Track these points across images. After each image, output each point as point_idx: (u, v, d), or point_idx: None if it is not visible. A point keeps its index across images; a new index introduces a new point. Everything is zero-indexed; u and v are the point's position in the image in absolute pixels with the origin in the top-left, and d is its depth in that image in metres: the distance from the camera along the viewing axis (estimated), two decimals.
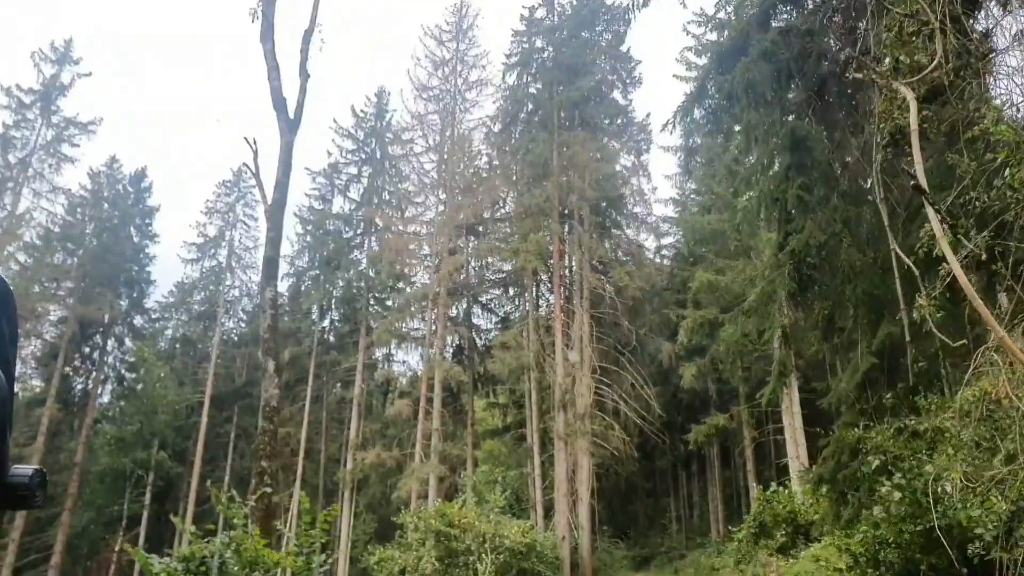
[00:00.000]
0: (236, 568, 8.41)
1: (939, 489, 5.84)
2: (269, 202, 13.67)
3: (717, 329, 28.30)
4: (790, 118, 9.13)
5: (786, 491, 16.08)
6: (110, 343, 39.66)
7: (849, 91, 9.20)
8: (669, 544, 36.45)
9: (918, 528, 6.06)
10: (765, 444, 33.58)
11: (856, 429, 7.30)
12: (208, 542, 8.56)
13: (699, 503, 40.57)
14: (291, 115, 14.07)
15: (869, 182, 8.39)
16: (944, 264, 4.64)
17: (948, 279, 4.64)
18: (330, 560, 9.02)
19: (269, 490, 10.05)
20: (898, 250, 6.06)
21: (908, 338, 7.44)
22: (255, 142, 13.22)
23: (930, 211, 4.78)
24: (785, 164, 8.96)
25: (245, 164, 13.30)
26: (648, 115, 36.02)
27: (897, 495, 5.95)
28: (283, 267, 41.91)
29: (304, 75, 15.07)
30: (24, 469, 1.11)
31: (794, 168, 8.77)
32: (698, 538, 35.71)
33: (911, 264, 5.28)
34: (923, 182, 4.93)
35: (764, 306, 10.10)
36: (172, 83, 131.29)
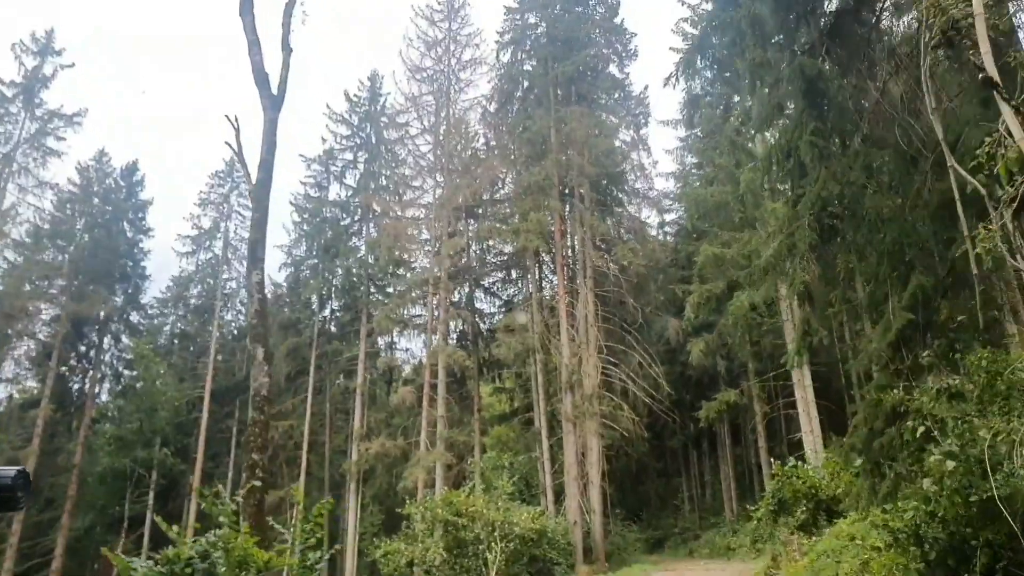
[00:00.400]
0: (224, 569, 7.79)
1: (999, 454, 5.16)
2: (253, 182, 12.98)
3: (724, 304, 27.66)
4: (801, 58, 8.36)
5: (806, 465, 15.43)
6: (106, 340, 39.08)
7: (864, 30, 8.43)
8: (682, 525, 36.08)
9: (972, 499, 5.40)
10: (776, 420, 33.02)
11: (893, 391, 6.61)
12: (195, 542, 7.96)
13: (711, 482, 40.17)
14: (274, 91, 13.33)
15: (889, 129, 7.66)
16: (1018, 181, 3.92)
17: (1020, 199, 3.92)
18: (326, 556, 8.37)
19: (258, 483, 9.43)
20: (957, 166, 5.30)
21: (947, 286, 6.74)
22: (236, 119, 12.52)
23: (1005, 109, 4.04)
24: (798, 109, 8.21)
25: (227, 143, 12.55)
26: (646, 88, 35.09)
27: (951, 464, 5.27)
28: (280, 257, 41.33)
29: (287, 49, 14.32)
30: (7, 471, 1.09)
31: (807, 112, 8.02)
32: (711, 517, 35.31)
33: (977, 185, 4.55)
34: (994, 73, 4.19)
35: (782, 262, 9.36)
36: (167, 87, 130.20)
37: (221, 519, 7.64)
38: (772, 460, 16.63)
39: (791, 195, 8.82)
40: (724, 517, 34.17)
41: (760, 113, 9.90)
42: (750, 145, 29.44)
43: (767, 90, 9.42)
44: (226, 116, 13.09)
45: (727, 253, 26.47)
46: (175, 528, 8.08)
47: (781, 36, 8.75)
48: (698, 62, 10.68)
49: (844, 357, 32.85)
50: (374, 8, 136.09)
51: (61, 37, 54.15)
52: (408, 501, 21.72)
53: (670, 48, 31.10)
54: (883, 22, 8.43)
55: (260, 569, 7.94)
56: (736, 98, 31.87)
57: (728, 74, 23.06)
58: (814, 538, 13.76)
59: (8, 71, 35.72)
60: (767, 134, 29.49)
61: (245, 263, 44.31)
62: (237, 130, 12.27)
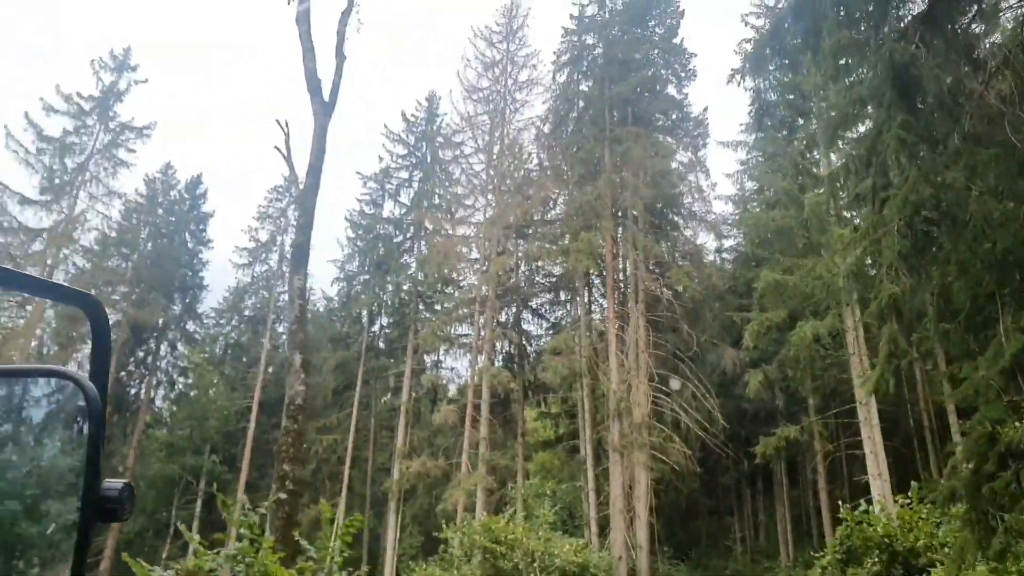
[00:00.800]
0: None
1: None
2: (301, 187, 12.74)
3: (785, 334, 26.33)
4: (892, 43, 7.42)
5: (880, 511, 14.11)
6: (163, 347, 39.99)
7: (965, 18, 7.53)
8: (734, 567, 34.26)
9: None
10: (837, 461, 31.15)
11: (1007, 428, 5.66)
12: (217, 553, 7.49)
13: (765, 523, 38.26)
14: (326, 98, 13.15)
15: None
16: None
17: None
18: None
19: (284, 496, 8.94)
20: None
21: None
22: (287, 124, 12.36)
23: None
24: (886, 102, 7.28)
25: (276, 147, 12.35)
26: (705, 109, 34.34)
27: None
28: (333, 271, 41.63)
29: (340, 56, 14.20)
30: (115, 483, 1.13)
31: (895, 105, 7.10)
32: (765, 561, 33.43)
33: None
34: None
35: (864, 273, 8.38)
36: (171, 90, 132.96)
37: (242, 531, 7.15)
38: (840, 503, 15.28)
39: (874, 199, 7.88)
40: (779, 562, 32.32)
41: (839, 112, 8.99)
42: (815, 170, 28.28)
43: (848, 82, 8.51)
44: (276, 121, 12.95)
45: (789, 280, 25.19)
46: (196, 537, 7.64)
47: (868, 21, 7.87)
48: (767, 55, 9.81)
49: (912, 397, 31.02)
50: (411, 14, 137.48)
51: (118, 44, 56.38)
52: (446, 524, 21.03)
53: (731, 70, 30.19)
54: (987, 8, 7.53)
55: None
56: (800, 121, 30.79)
57: (799, 77, 21.99)
58: None
59: (87, 86, 37.35)
60: (833, 156, 28.32)
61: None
62: (287, 135, 12.08)
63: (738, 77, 10.30)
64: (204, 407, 36.80)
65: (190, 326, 41.87)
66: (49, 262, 33.25)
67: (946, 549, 12.68)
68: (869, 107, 8.22)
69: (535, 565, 17.75)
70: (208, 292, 42.64)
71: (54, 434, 1.40)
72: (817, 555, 17.35)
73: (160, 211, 41.29)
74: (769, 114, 27.78)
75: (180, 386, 39.97)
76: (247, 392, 39.08)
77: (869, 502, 19.62)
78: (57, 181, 34.46)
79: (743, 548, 37.13)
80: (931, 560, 12.67)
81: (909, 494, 14.14)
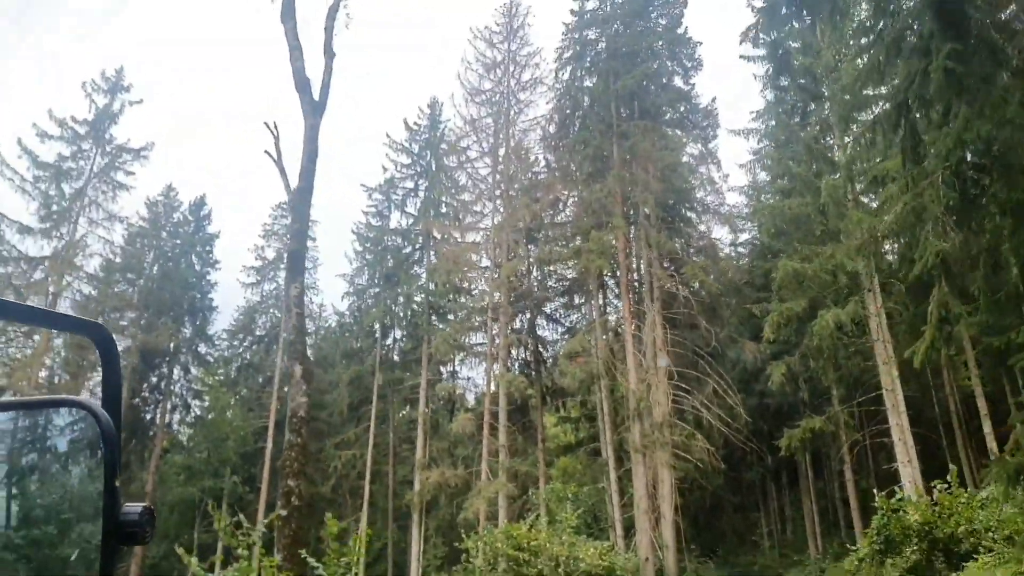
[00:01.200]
0: None
1: None
2: (292, 190, 12.37)
3: (806, 324, 25.67)
4: None
5: (922, 498, 13.46)
6: (176, 371, 39.76)
7: None
8: (762, 562, 33.72)
9: None
10: (863, 451, 30.40)
11: None
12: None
13: (792, 517, 37.69)
14: (316, 97, 12.78)
15: None
16: None
17: None
18: None
19: (284, 512, 8.51)
20: None
21: None
22: (276, 126, 11.99)
23: None
24: (926, 34, 6.66)
25: (266, 151, 11.98)
26: (713, 100, 33.64)
27: None
28: (343, 286, 41.38)
29: (329, 54, 13.84)
30: (134, 507, 1.15)
31: (939, 36, 6.44)
32: (794, 555, 32.80)
33: None
34: None
35: (910, 229, 7.74)
36: (162, 95, 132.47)
37: (240, 552, 6.71)
38: (875, 492, 14.64)
39: (905, 157, 7.25)
40: (808, 555, 31.70)
41: (874, 57, 8.27)
42: (830, 155, 27.64)
43: (883, 25, 7.82)
44: (265, 123, 12.59)
45: (808, 269, 24.56)
46: (194, 560, 7.22)
47: None
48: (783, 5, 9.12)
49: (937, 382, 30.18)
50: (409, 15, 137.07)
51: (111, 65, 56.48)
52: (466, 535, 20.50)
53: (740, 56, 29.59)
54: None
55: None
56: (813, 106, 30.15)
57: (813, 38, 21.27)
58: None
59: (80, 109, 36.72)
60: (847, 139, 27.61)
61: (309, 292, 44.68)
62: (276, 137, 11.71)
63: (752, 33, 9.72)
64: (220, 429, 36.54)
65: (202, 348, 41.67)
66: (52, 290, 32.88)
67: (990, 534, 12.08)
68: (897, 60, 7.57)
69: (560, 570, 17.17)
70: (218, 313, 42.46)
71: (80, 461, 1.45)
72: (853, 547, 16.70)
73: (164, 234, 41.12)
74: (786, 70, 27.03)
75: (196, 409, 39.76)
76: (263, 411, 38.82)
77: (898, 491, 18.96)
78: (55, 208, 33.99)
79: (771, 543, 36.55)
80: (973, 546, 12.08)
81: (948, 478, 13.52)
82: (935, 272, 7.69)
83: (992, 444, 24.47)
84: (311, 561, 7.80)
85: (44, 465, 1.48)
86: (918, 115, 7.01)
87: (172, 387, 39.64)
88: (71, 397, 1.33)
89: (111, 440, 1.18)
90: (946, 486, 13.34)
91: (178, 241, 41.25)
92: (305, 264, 11.34)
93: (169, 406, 39.07)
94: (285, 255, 43.57)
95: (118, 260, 37.05)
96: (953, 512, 12.63)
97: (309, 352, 44.14)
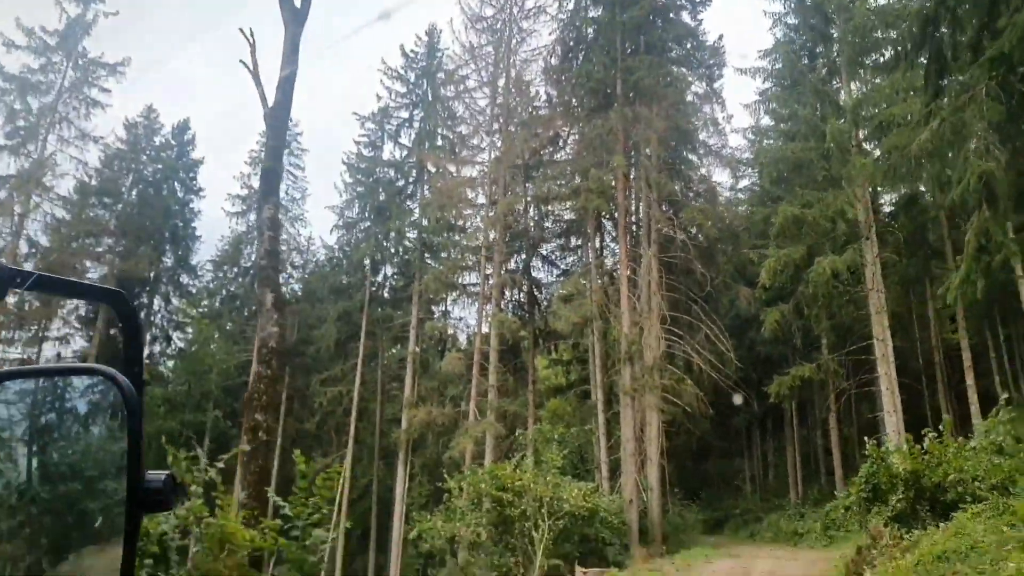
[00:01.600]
0: (202, 547, 6.39)
1: None
2: (270, 104, 11.51)
3: (802, 272, 25.20)
4: None
5: (917, 445, 13.19)
6: (156, 302, 38.94)
7: None
8: (744, 506, 34.52)
9: None
10: (847, 400, 30.51)
11: None
12: (171, 514, 6.59)
13: (775, 463, 38.39)
14: (297, 3, 11.79)
15: None
16: None
17: None
18: (332, 535, 6.89)
19: (248, 448, 8.05)
20: None
21: None
22: (252, 33, 11.04)
23: None
24: None
25: (241, 61, 11.06)
26: (720, 37, 32.28)
27: None
28: (332, 219, 40.49)
29: None
30: (158, 475, 1.17)
31: None
32: (775, 499, 33.51)
33: None
34: None
35: (944, 149, 7.01)
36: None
37: (194, 488, 6.23)
38: (867, 440, 14.41)
39: (928, 81, 6.49)
40: (789, 500, 32.34)
41: None
42: (837, 98, 26.61)
43: None
44: (240, 30, 11.62)
45: (808, 215, 23.92)
46: None
47: None
48: None
49: (923, 335, 30.07)
50: None
51: None
52: (448, 475, 20.39)
53: None
54: None
55: (247, 550, 6.50)
56: (821, 47, 28.92)
57: None
58: (914, 532, 11.68)
59: (50, 19, 34.02)
60: (854, 84, 26.49)
61: (297, 224, 43.80)
62: (252, 45, 10.79)
63: None
64: (203, 362, 35.92)
65: (184, 279, 40.78)
66: (18, 210, 31.24)
67: (976, 483, 11.91)
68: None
69: (543, 511, 17.11)
70: (202, 243, 41.49)
71: (101, 423, 1.47)
72: (838, 494, 16.67)
73: (144, 157, 39.51)
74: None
75: (178, 341, 39.17)
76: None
77: (884, 439, 18.85)
78: (22, 123, 32.12)
79: (752, 488, 37.26)
80: (959, 495, 11.96)
81: (940, 427, 13.30)
82: (975, 194, 6.97)
83: (973, 396, 24.55)
84: (276, 500, 7.35)
85: (67, 427, 1.51)
86: (946, 32, 6.25)
87: (152, 318, 38.88)
88: (93, 365, 1.33)
89: (134, 408, 1.17)
90: (936, 435, 13.11)
91: (159, 166, 39.71)
92: (280, 184, 10.64)
93: (148, 337, 38.30)
94: (284, 199, 42.79)
95: (93, 183, 35.43)
96: (942, 461, 12.41)
97: (296, 285, 43.56)
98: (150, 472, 1.16)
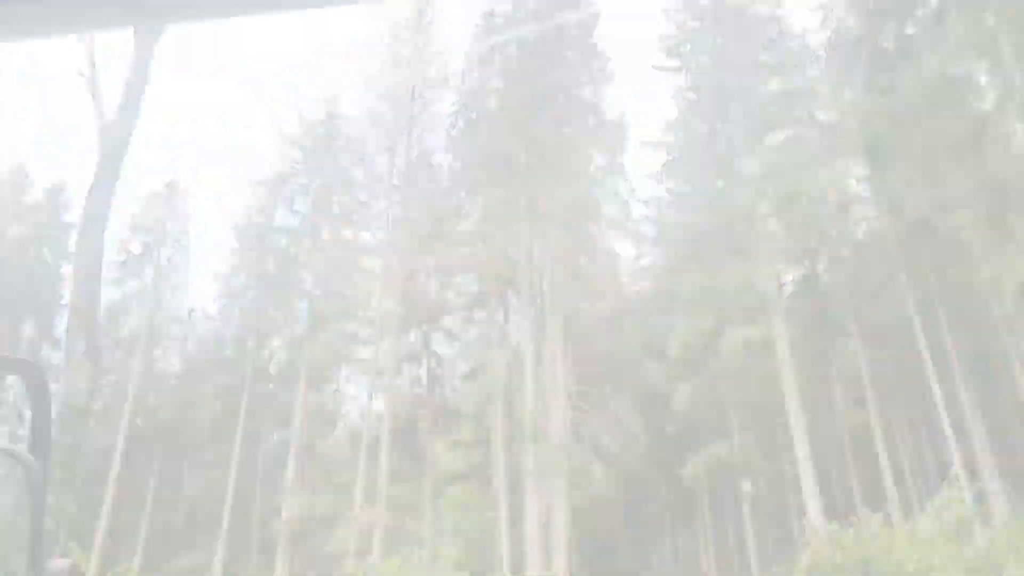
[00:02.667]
0: None
1: None
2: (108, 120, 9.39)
3: (713, 345, 24.44)
4: None
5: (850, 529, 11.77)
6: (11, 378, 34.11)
7: None
8: None
9: None
10: (767, 480, 29.44)
11: None
12: None
13: (690, 553, 36.59)
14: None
15: None
16: None
17: None
18: None
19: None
20: None
21: None
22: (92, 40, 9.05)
23: None
24: None
25: (79, 71, 8.99)
26: (623, 113, 32.65)
27: None
28: (215, 287, 37.35)
29: None
30: (61, 563, 1.12)
31: None
32: None
33: None
34: None
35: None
36: None
37: None
38: (806, 523, 12.96)
39: None
40: None
41: None
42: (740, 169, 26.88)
43: None
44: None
45: (717, 283, 23.39)
46: None
47: None
48: None
49: (831, 416, 29.99)
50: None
51: None
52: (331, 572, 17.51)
53: (654, 67, 28.95)
54: None
55: None
56: (720, 125, 29.55)
57: None
58: None
59: None
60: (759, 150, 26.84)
61: (177, 294, 40.10)
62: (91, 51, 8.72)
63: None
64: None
65: (45, 351, 36.11)
66: None
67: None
68: None
69: None
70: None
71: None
72: None
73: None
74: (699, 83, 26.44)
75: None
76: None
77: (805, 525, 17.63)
78: None
79: None
80: None
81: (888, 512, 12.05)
82: None
83: (887, 479, 24.04)
84: None
85: None
86: None
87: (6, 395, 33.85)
88: None
89: (38, 488, 1.08)
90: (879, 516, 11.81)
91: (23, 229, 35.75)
92: (108, 209, 8.46)
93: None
94: (158, 256, 39.26)
95: None
96: (893, 548, 11.02)
97: (175, 359, 39.36)
98: (53, 560, 1.08)
